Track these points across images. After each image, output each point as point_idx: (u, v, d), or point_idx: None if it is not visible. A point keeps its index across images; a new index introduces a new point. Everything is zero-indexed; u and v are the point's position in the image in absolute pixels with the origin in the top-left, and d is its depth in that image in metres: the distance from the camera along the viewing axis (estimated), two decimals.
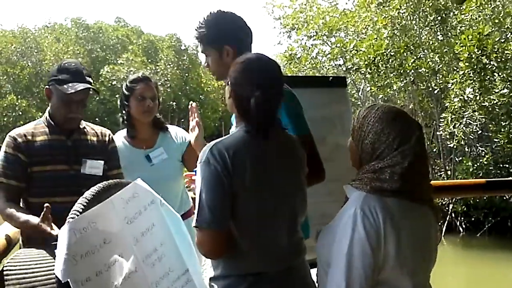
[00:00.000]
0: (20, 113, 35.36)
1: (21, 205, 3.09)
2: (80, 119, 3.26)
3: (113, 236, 2.35)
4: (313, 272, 2.51)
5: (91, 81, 3.22)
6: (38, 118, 3.33)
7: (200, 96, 46.66)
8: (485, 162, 14.40)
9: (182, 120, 42.90)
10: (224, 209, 2.25)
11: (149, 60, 45.11)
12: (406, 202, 2.15)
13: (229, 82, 2.46)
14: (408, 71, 15.94)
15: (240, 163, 2.28)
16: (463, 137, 14.16)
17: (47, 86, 3.22)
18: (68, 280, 2.14)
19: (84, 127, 3.32)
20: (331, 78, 4.35)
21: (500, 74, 13.62)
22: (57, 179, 3.08)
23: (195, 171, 2.56)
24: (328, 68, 20.79)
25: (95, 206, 2.32)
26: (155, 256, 2.53)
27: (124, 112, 3.85)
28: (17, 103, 35.81)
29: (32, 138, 3.13)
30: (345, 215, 2.15)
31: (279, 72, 2.51)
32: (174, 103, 42.27)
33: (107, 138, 3.38)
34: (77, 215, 2.27)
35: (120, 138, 3.82)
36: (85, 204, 2.33)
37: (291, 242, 2.46)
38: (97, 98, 36.97)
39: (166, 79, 42.06)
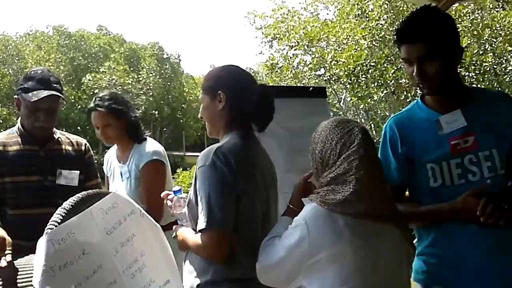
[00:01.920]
0: (1, 121, 35.11)
1: None
2: (49, 128, 3.19)
3: (93, 247, 2.33)
4: None
5: (59, 88, 3.15)
6: (12, 128, 3.29)
7: (182, 105, 46.71)
8: None
9: (165, 129, 42.90)
10: (232, 210, 2.30)
11: (131, 69, 45.05)
12: (359, 221, 2.08)
13: (219, 90, 2.47)
14: (388, 81, 16.05)
15: (243, 167, 2.34)
16: None
17: (15, 96, 3.18)
18: None
19: (59, 137, 3.26)
20: (311, 88, 4.38)
21: (478, 85, 13.75)
22: (31, 190, 3.04)
23: (175, 192, 2.60)
24: (310, 78, 20.86)
25: (74, 216, 2.30)
26: (136, 267, 2.51)
27: None
28: None
29: (4, 148, 3.08)
30: (294, 220, 2.16)
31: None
32: (157, 112, 42.21)
33: (83, 148, 3.33)
34: (56, 226, 2.26)
35: (114, 151, 3.90)
36: (63, 214, 2.31)
37: None
38: (79, 107, 36.79)
39: (148, 87, 42.06)
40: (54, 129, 3.28)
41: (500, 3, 15.07)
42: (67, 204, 2.39)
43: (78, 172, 3.20)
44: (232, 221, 2.29)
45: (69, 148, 3.28)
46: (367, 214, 2.09)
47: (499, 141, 2.42)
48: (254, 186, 2.40)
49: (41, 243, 2.17)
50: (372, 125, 17.84)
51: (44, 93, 3.04)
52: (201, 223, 2.26)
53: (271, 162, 2.63)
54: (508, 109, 2.48)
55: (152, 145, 3.76)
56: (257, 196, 2.42)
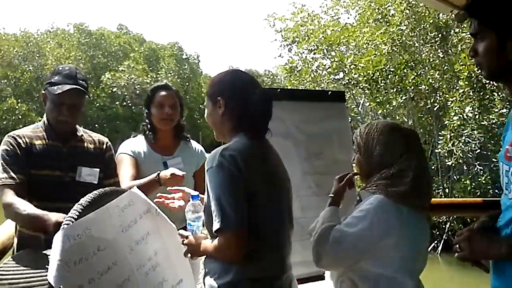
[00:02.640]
0: (20, 117, 35.46)
1: None
2: (72, 124, 3.24)
3: (108, 243, 2.34)
4: None
5: (85, 84, 3.20)
6: (37, 122, 3.34)
7: (200, 106, 46.78)
8: (483, 181, 14.35)
9: None
10: (244, 209, 2.30)
11: (150, 68, 45.25)
12: (411, 209, 2.46)
13: (219, 97, 2.52)
14: (408, 87, 15.97)
15: (251, 166, 2.35)
16: (462, 155, 14.13)
17: (43, 91, 3.25)
18: (61, 286, 2.14)
19: (82, 135, 3.32)
20: (330, 92, 4.36)
21: (499, 93, 13.62)
22: (53, 184, 3.08)
23: (193, 197, 2.60)
24: (328, 82, 20.77)
25: (90, 213, 2.32)
26: (149, 265, 2.53)
27: (146, 118, 3.91)
28: (17, 107, 35.90)
29: (30, 141, 3.13)
30: (361, 209, 2.45)
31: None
32: None
33: (104, 146, 3.39)
34: (72, 222, 2.28)
35: (141, 141, 3.87)
36: (80, 210, 2.33)
37: (289, 247, 2.57)
38: (97, 104, 37.02)
39: None
40: (78, 126, 3.34)
41: None
42: (84, 200, 2.41)
43: (98, 170, 3.24)
44: (246, 219, 2.29)
45: (91, 146, 3.33)
46: (422, 207, 2.52)
47: None
48: (265, 183, 2.41)
49: (57, 238, 2.19)
50: None
51: (68, 86, 3.09)
52: (216, 224, 2.27)
53: (282, 164, 2.64)
54: None
55: (199, 146, 4.04)
56: (270, 193, 2.43)
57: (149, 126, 3.87)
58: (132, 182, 3.42)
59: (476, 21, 2.15)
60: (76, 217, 2.30)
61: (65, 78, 3.14)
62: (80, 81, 3.17)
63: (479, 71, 2.29)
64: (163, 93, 3.82)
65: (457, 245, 2.11)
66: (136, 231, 2.51)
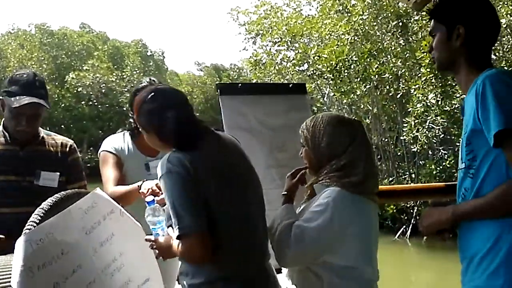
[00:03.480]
0: None
1: None
2: (30, 132, 3.18)
3: (71, 246, 2.34)
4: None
5: (43, 93, 3.14)
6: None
7: None
8: (448, 165, 14.59)
9: None
10: (201, 211, 2.28)
11: (115, 66, 44.80)
12: (365, 198, 2.53)
13: (142, 120, 2.54)
14: (371, 76, 16.12)
15: (200, 167, 2.33)
16: (426, 141, 14.34)
17: (0, 97, 3.17)
18: None
19: (43, 137, 3.26)
20: (291, 85, 4.39)
21: None
22: (9, 189, 3.04)
23: (148, 203, 2.59)
24: (293, 74, 20.88)
25: (52, 216, 2.31)
26: (114, 266, 2.53)
27: (131, 117, 3.74)
28: None
29: None
30: (319, 203, 2.45)
31: (179, 91, 2.72)
32: None
33: (67, 149, 3.32)
34: (34, 226, 2.26)
35: (126, 137, 3.74)
36: (42, 215, 2.31)
37: (264, 244, 2.56)
38: (62, 105, 36.57)
39: (132, 85, 41.69)
40: (40, 129, 3.28)
41: None
42: (45, 204, 2.39)
43: (58, 174, 3.18)
44: (205, 221, 2.28)
45: (53, 149, 3.26)
46: (373, 193, 2.59)
47: (465, 129, 2.32)
48: (221, 181, 2.39)
49: (19, 244, 2.18)
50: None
51: (26, 99, 3.03)
52: (176, 232, 2.27)
53: (243, 158, 2.62)
54: (471, 97, 2.26)
55: None
56: (230, 191, 2.42)
57: (134, 125, 3.72)
58: (115, 188, 3.31)
59: (432, 20, 2.46)
60: (38, 221, 2.29)
61: (24, 88, 3.07)
62: (39, 91, 3.11)
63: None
64: None
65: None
66: (100, 233, 2.50)
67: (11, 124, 3.11)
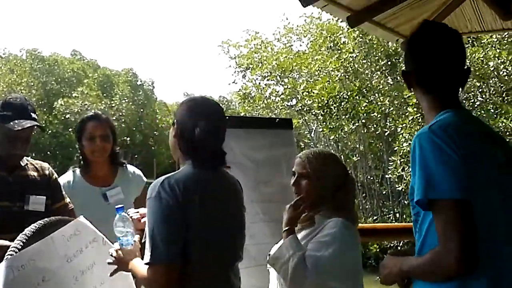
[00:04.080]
0: None
1: None
2: (23, 156, 3.21)
3: (53, 274, 2.34)
4: None
5: (36, 117, 3.17)
6: None
7: (155, 132, 46.48)
8: None
9: (136, 155, 42.66)
10: (178, 243, 2.27)
11: (104, 95, 44.75)
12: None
13: (175, 121, 2.54)
14: (360, 114, 16.24)
15: (191, 196, 2.32)
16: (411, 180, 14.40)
17: None
18: None
19: (26, 164, 3.26)
20: (277, 120, 4.43)
21: None
22: (1, 215, 3.01)
23: (117, 209, 2.56)
24: (281, 108, 21.00)
25: (35, 243, 2.31)
26: None
27: (78, 149, 3.80)
28: None
29: None
30: (326, 233, 2.61)
31: (221, 109, 2.65)
32: (128, 139, 41.88)
33: (47, 172, 3.32)
34: (16, 252, 2.26)
35: (76, 174, 3.76)
36: (24, 240, 2.32)
37: (236, 275, 2.55)
38: (49, 131, 36.41)
39: (120, 114, 41.81)
40: None
41: (470, 40, 15.41)
42: (28, 230, 2.40)
43: (44, 197, 3.17)
44: (179, 254, 2.27)
45: (35, 173, 3.26)
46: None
47: None
48: (206, 214, 2.37)
49: (1, 269, 2.18)
50: (342, 156, 17.95)
51: (27, 123, 3.06)
52: (146, 258, 2.26)
53: (236, 194, 2.63)
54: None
55: (137, 170, 3.95)
56: (214, 224, 2.41)
57: (82, 159, 3.78)
58: None
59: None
60: (20, 247, 2.29)
61: (19, 112, 3.09)
62: (32, 114, 3.14)
63: None
64: (92, 124, 3.72)
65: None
66: (81, 261, 2.50)
67: (5, 148, 3.11)
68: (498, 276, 1.92)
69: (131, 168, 3.96)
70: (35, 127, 3.16)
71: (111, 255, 2.47)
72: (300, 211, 2.76)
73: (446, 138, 1.93)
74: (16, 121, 3.05)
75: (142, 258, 2.37)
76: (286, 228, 2.73)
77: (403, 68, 2.35)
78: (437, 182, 1.88)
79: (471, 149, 1.94)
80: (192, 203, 2.32)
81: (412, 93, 2.38)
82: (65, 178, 3.73)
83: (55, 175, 3.39)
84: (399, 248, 14.89)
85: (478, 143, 2.02)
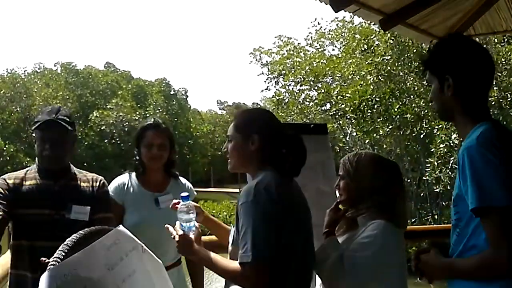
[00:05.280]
0: (8, 158, 35.20)
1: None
2: (57, 159, 3.25)
3: (94, 283, 2.35)
4: None
5: (67, 119, 3.24)
6: (25, 163, 3.39)
7: (189, 141, 46.82)
8: None
9: None
10: (273, 245, 2.34)
11: (139, 105, 45.29)
12: (401, 231, 2.75)
13: (255, 134, 2.59)
14: (393, 116, 16.11)
15: (283, 199, 2.42)
16: (449, 182, 14.24)
17: (32, 134, 3.31)
18: None
19: (75, 172, 3.36)
20: (312, 125, 4.42)
21: None
22: (41, 223, 3.10)
23: (183, 198, 2.67)
24: (315, 113, 20.95)
25: (76, 252, 2.33)
26: None
27: (136, 155, 3.89)
28: (4, 148, 35.69)
29: (21, 182, 3.18)
30: (367, 235, 2.61)
31: None
32: None
33: (97, 184, 3.39)
34: (58, 262, 2.29)
35: (132, 177, 3.87)
36: (66, 250, 2.34)
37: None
38: (86, 143, 36.89)
39: None
40: (71, 165, 3.39)
41: (505, 38, 15.19)
42: (69, 240, 2.41)
43: (88, 208, 3.24)
44: (274, 253, 2.33)
45: (84, 184, 3.35)
46: (405, 228, 2.81)
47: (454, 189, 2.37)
48: (295, 217, 2.47)
49: (43, 279, 2.20)
50: None
51: (46, 118, 3.18)
52: (245, 257, 2.30)
53: (305, 198, 2.70)
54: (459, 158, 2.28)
55: (188, 182, 4.06)
56: (299, 227, 2.50)
57: (139, 164, 3.87)
58: None
59: (427, 71, 2.51)
60: (62, 257, 2.31)
61: (47, 114, 3.20)
62: (61, 116, 3.21)
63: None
64: (151, 133, 3.80)
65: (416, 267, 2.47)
66: (122, 269, 2.51)
67: (38, 151, 3.23)
68: None
69: (183, 180, 4.05)
70: (67, 130, 3.23)
71: (175, 239, 2.59)
72: (341, 214, 2.83)
73: (494, 150, 2.11)
74: (39, 122, 3.18)
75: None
76: (326, 230, 2.80)
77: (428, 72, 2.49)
78: (489, 191, 2.07)
79: None
80: (285, 206, 2.41)
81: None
82: (121, 179, 3.86)
83: (106, 189, 3.48)
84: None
85: None
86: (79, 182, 3.33)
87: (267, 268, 2.32)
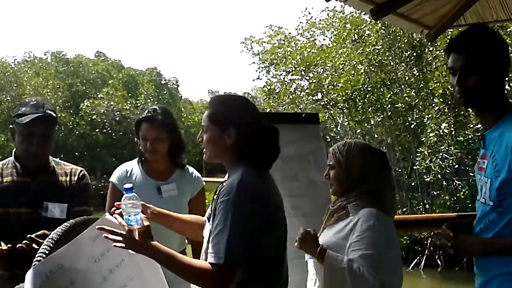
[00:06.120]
0: None
1: None
2: (43, 154, 3.18)
3: (80, 276, 2.32)
4: None
5: (53, 114, 3.15)
6: (7, 159, 3.28)
7: (181, 130, 46.62)
8: (462, 196, 14.44)
9: None
10: (251, 244, 2.29)
11: (130, 94, 45.04)
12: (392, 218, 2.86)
13: (230, 127, 2.48)
14: (384, 106, 16.10)
15: (264, 197, 2.39)
16: (440, 171, 14.27)
17: (11, 126, 3.19)
18: None
19: (53, 166, 3.25)
20: (303, 114, 4.40)
21: None
22: (20, 222, 3.03)
23: (126, 190, 2.48)
24: (307, 103, 20.91)
25: (61, 247, 2.29)
26: None
27: (138, 145, 3.84)
28: None
29: None
30: (366, 228, 2.66)
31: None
32: None
33: (75, 178, 3.29)
34: (43, 258, 2.24)
35: (135, 165, 3.85)
36: (51, 245, 2.30)
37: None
38: (77, 132, 36.74)
39: None
40: (50, 158, 3.27)
41: (495, 28, 15.18)
42: (54, 234, 2.37)
43: (65, 205, 3.14)
44: (249, 256, 2.28)
45: (62, 178, 3.25)
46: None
47: (496, 173, 2.41)
48: (273, 218, 2.43)
49: (29, 276, 2.15)
50: None
51: (36, 115, 3.05)
52: (217, 257, 2.23)
53: (280, 194, 2.63)
54: (502, 142, 2.40)
55: (196, 172, 4.01)
56: (277, 224, 2.47)
57: (141, 153, 3.83)
58: None
59: (468, 57, 2.45)
60: (47, 252, 2.27)
61: (33, 108, 3.09)
62: (49, 111, 3.13)
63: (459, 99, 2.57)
64: (145, 126, 3.73)
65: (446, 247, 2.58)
66: (109, 259, 2.48)
67: (23, 147, 3.11)
68: None
69: (191, 169, 4.00)
70: (54, 125, 3.18)
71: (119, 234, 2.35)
72: (312, 235, 2.79)
73: None
74: (27, 116, 3.05)
75: None
76: (316, 253, 2.73)
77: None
78: None
79: None
80: (265, 203, 2.38)
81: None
82: (125, 166, 3.86)
83: (85, 180, 3.36)
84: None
85: None
86: (57, 177, 3.23)
87: (234, 273, 2.24)
